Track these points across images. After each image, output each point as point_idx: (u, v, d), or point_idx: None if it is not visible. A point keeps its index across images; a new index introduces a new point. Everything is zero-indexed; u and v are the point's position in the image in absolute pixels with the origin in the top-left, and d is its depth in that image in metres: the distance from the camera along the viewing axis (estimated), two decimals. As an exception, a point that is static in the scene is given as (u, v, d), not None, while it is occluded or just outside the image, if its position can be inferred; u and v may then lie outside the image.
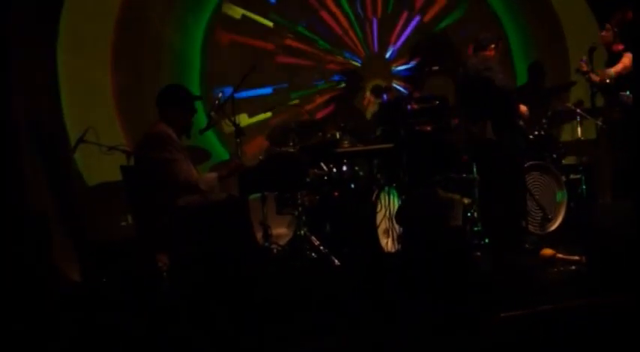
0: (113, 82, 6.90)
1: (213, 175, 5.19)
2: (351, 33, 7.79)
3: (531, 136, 6.49)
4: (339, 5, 7.77)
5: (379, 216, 5.97)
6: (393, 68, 7.84)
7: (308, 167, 6.19)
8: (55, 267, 5.68)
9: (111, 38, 6.90)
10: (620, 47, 6.10)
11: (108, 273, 5.49)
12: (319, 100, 7.60)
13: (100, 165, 6.29)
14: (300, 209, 6.10)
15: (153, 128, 5.12)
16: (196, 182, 5.00)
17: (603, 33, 6.22)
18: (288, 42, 7.56)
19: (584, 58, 6.18)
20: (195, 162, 5.44)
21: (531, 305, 3.92)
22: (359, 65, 7.74)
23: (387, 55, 7.87)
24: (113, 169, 5.54)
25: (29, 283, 5.06)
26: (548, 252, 5.40)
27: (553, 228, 6.39)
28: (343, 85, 7.53)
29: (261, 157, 6.36)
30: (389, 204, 5.99)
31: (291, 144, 6.27)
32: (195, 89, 7.03)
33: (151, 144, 5.04)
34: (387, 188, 6.10)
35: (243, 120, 7.10)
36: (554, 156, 6.64)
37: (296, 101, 7.43)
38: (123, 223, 6.30)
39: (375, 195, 6.03)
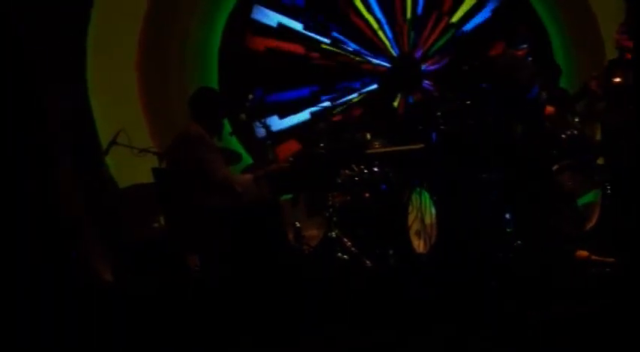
0: (140, 83, 6.94)
1: (249, 176, 5.20)
2: (380, 34, 7.79)
3: (564, 136, 6.37)
4: (368, 8, 7.75)
5: (410, 218, 5.93)
6: (423, 68, 7.81)
7: (339, 168, 6.18)
8: (87, 267, 5.73)
9: (138, 38, 6.94)
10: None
11: (140, 274, 5.54)
12: (350, 102, 7.62)
13: (132, 167, 6.33)
14: (331, 210, 6.10)
15: (187, 129, 5.14)
16: (232, 183, 5.01)
17: (616, 35, 6.07)
18: (319, 45, 7.58)
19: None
20: (227, 164, 5.42)
21: (564, 306, 4.00)
22: (389, 67, 7.73)
23: (417, 56, 7.86)
24: (145, 171, 5.59)
25: (62, 283, 5.03)
26: (582, 253, 5.37)
27: (588, 228, 6.20)
28: (375, 86, 7.54)
29: (291, 159, 6.31)
30: (420, 205, 5.93)
31: (321, 145, 6.26)
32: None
33: (186, 144, 5.05)
34: (418, 189, 6.04)
35: (275, 122, 7.15)
36: (588, 155, 6.47)
37: (327, 103, 7.45)
38: (155, 225, 6.32)
39: (406, 197, 6.01)
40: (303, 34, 7.55)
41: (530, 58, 6.02)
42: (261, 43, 7.41)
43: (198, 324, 4.60)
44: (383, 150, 6.36)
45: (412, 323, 4.27)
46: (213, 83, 7.13)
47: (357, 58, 7.69)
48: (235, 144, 7.03)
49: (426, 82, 7.81)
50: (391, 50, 7.84)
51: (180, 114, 5.36)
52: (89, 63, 6.67)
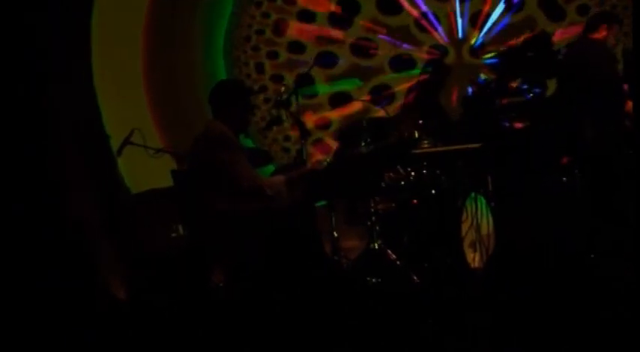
0: (146, 80, 7.25)
1: (281, 178, 5.16)
2: (431, 18, 7.93)
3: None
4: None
5: (465, 227, 5.93)
6: (480, 56, 7.86)
7: (382, 171, 6.14)
8: (101, 283, 5.82)
9: (143, 33, 7.31)
10: None
11: (157, 292, 5.65)
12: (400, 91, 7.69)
13: (146, 170, 6.50)
14: (373, 218, 6.01)
15: (210, 127, 5.14)
16: (262, 186, 5.01)
17: None
18: (360, 29, 7.74)
19: None
20: (254, 165, 5.40)
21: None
22: (441, 54, 7.80)
23: (474, 42, 7.93)
24: (160, 175, 5.73)
25: (71, 300, 5.23)
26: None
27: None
28: (427, 75, 7.47)
29: (328, 160, 6.31)
30: (476, 212, 5.93)
31: (363, 144, 6.12)
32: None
33: (209, 144, 5.05)
34: (473, 194, 6.03)
35: (309, 118, 7.27)
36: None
37: (367, 97, 7.56)
38: (173, 234, 6.38)
39: (459, 203, 5.99)
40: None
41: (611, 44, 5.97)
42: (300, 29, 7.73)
43: (222, 347, 4.59)
44: (433, 150, 6.25)
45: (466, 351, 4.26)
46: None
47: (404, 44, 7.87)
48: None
49: (484, 71, 7.76)
50: (442, 35, 7.97)
51: (191, 112, 5.38)
52: (94, 58, 7.00)
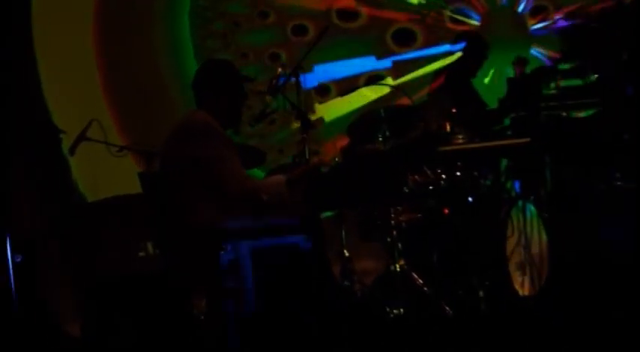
0: (101, 64, 7.53)
1: (280, 179, 4.98)
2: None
3: None
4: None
5: (510, 244, 5.85)
6: (529, 27, 7.98)
7: (405, 172, 6.01)
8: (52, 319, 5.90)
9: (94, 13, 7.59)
10: None
11: (119, 326, 5.62)
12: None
13: (106, 172, 6.54)
14: (394, 233, 5.86)
15: (191, 117, 5.00)
16: (254, 190, 4.86)
17: None
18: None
19: None
20: (245, 166, 5.24)
21: None
22: (478, 25, 7.92)
23: (520, 9, 8.04)
24: (124, 178, 5.79)
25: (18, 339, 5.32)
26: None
27: None
28: (459, 54, 7.34)
29: (337, 159, 6.06)
30: (524, 226, 5.87)
31: (380, 139, 6.03)
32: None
33: (190, 138, 4.89)
34: (521, 203, 5.93)
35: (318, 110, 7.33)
36: None
37: (388, 80, 7.54)
38: (141, 254, 6.31)
39: (503, 214, 5.89)
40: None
41: None
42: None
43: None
44: (469, 146, 6.12)
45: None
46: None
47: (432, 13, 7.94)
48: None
49: (535, 47, 7.93)
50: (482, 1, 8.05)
51: (157, 100, 5.38)
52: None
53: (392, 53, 8.32)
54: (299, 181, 5.05)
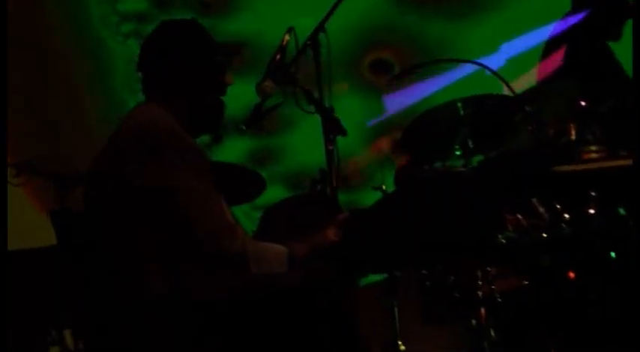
0: None
1: (280, 250, 3.97)
2: None
3: None
4: None
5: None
6: None
7: (501, 209, 4.79)
8: None
9: None
10: None
11: None
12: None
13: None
14: (482, 310, 4.71)
15: (138, 120, 3.88)
16: (240, 255, 3.85)
17: None
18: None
19: None
20: (231, 199, 4.29)
21: None
22: None
23: None
24: (22, 221, 5.35)
25: None
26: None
27: None
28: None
29: (384, 187, 5.14)
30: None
31: (458, 152, 4.80)
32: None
33: (134, 155, 3.79)
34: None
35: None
36: None
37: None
38: (50, 342, 5.43)
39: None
40: None
41: None
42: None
43: None
44: (610, 164, 4.88)
45: None
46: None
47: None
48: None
49: None
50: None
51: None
52: None
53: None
54: (307, 260, 4.05)
